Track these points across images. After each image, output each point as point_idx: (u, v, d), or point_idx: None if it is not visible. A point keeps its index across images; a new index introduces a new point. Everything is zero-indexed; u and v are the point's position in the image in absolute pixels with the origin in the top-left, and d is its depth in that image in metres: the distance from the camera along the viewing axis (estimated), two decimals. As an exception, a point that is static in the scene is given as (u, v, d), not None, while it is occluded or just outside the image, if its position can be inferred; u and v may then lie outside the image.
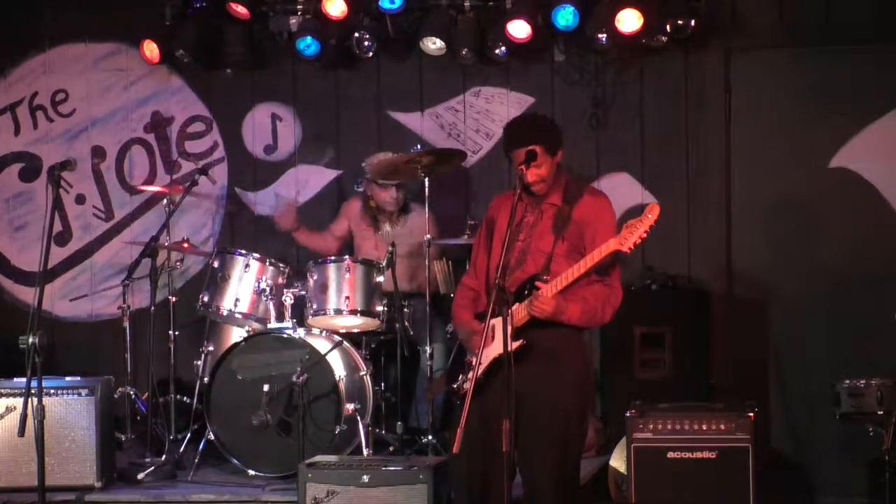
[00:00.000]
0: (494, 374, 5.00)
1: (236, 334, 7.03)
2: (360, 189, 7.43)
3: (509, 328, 4.81)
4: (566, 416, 5.11)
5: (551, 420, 5.07)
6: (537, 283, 5.05)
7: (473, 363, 5.03)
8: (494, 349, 4.99)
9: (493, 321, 4.94)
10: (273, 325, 6.77)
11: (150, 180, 7.99)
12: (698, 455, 5.67)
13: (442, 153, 7.13)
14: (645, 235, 4.88)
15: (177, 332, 7.15)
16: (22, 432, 5.47)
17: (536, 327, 5.04)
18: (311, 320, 6.74)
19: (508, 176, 7.44)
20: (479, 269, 5.41)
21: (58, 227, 7.99)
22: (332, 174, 7.96)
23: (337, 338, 6.69)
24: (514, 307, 4.96)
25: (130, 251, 7.82)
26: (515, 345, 4.91)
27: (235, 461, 6.57)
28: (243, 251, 6.98)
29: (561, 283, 5.01)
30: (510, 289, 4.97)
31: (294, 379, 6.27)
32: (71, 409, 6.29)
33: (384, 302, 6.74)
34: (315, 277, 6.74)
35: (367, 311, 6.72)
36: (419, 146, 7.21)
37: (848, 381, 6.35)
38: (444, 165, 7.07)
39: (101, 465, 6.29)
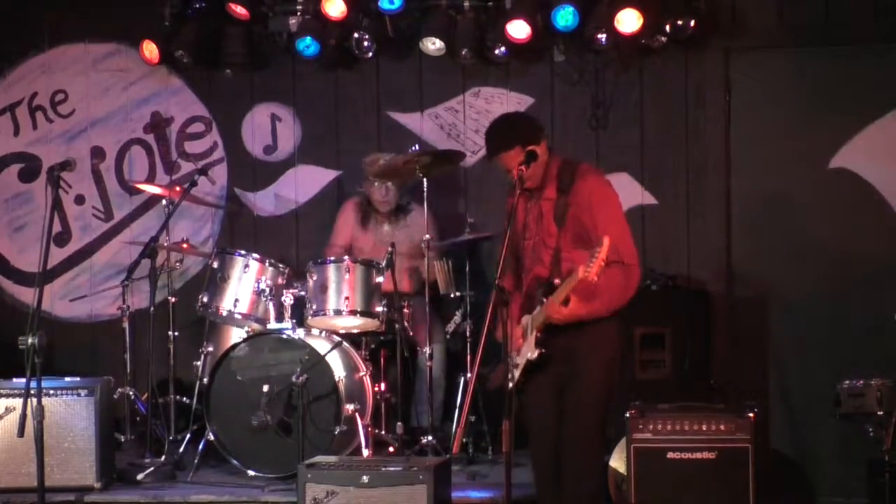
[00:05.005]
0: (531, 373, 5.25)
1: (236, 335, 7.03)
2: (361, 189, 7.43)
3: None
4: (590, 410, 5.29)
5: (577, 416, 5.29)
6: (545, 298, 5.20)
7: (510, 363, 5.26)
8: (525, 351, 5.24)
9: (523, 322, 5.29)
10: (273, 325, 6.76)
11: (149, 181, 7.97)
12: (698, 455, 5.66)
13: (440, 154, 7.14)
14: (602, 264, 4.93)
15: (176, 333, 7.15)
16: (21, 433, 5.47)
17: (557, 327, 5.20)
18: (310, 321, 6.74)
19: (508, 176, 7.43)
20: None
21: (57, 227, 7.98)
22: (332, 174, 7.95)
23: (336, 338, 6.69)
24: (535, 311, 5.26)
25: (130, 252, 7.81)
26: (536, 354, 5.17)
27: (235, 462, 6.56)
28: (243, 252, 6.97)
29: (559, 298, 5.12)
30: (529, 288, 5.29)
31: (294, 379, 6.28)
32: (70, 410, 6.29)
33: (384, 302, 6.74)
34: (315, 278, 6.74)
35: (367, 312, 6.72)
36: (417, 146, 7.21)
37: (848, 382, 6.36)
38: (442, 166, 7.08)
39: (101, 466, 6.29)
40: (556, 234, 5.24)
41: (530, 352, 5.23)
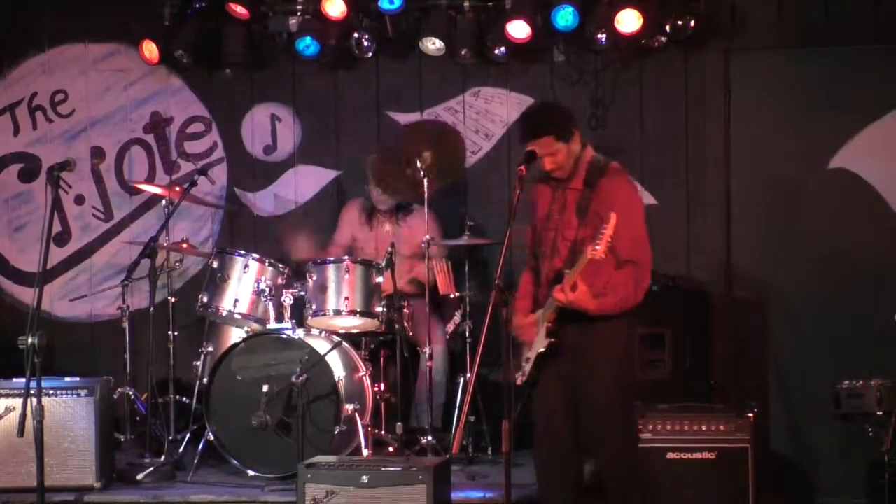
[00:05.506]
0: (543, 367, 5.28)
1: (235, 335, 7.03)
2: (366, 187, 7.43)
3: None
4: (604, 404, 5.27)
5: (592, 412, 5.28)
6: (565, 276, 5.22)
7: (524, 358, 5.32)
8: (535, 345, 5.27)
9: (534, 316, 5.31)
10: (272, 325, 6.76)
11: (149, 181, 7.97)
12: (698, 456, 5.68)
13: (438, 144, 7.14)
14: (609, 240, 4.98)
15: (176, 333, 7.15)
16: (21, 433, 5.47)
17: (569, 321, 5.23)
18: (310, 321, 6.74)
19: (508, 176, 7.44)
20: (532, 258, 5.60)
21: (57, 227, 7.99)
22: (331, 174, 7.95)
23: (336, 338, 6.69)
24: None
25: (130, 252, 7.80)
26: (545, 344, 5.24)
27: (235, 462, 6.56)
28: (242, 252, 6.97)
29: (568, 285, 5.13)
30: (548, 277, 5.31)
31: (293, 379, 6.28)
32: (70, 410, 6.29)
33: (383, 302, 6.74)
34: (314, 278, 6.74)
35: (367, 312, 6.71)
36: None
37: (847, 382, 6.37)
38: (443, 163, 7.08)
39: (101, 466, 6.29)
40: (577, 227, 5.29)
41: (540, 344, 5.26)
